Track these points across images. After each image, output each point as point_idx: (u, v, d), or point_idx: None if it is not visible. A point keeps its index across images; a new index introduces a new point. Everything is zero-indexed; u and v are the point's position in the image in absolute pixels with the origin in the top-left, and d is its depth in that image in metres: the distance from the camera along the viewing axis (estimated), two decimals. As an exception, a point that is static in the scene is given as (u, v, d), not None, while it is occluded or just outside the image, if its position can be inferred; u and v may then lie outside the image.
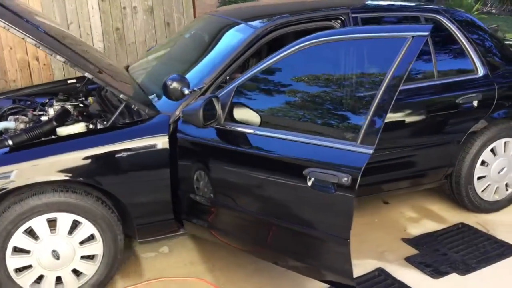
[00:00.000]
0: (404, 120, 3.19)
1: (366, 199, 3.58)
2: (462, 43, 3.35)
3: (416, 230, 3.48)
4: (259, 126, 2.53)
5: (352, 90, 2.31)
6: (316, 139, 2.31)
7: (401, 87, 2.94)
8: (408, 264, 3.07)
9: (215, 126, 2.59)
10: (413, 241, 3.32)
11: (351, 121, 2.27)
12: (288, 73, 2.51)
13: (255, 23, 3.04)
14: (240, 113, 2.60)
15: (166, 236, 2.96)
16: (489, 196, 3.61)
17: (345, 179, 2.17)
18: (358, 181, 2.15)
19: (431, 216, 3.65)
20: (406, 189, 3.53)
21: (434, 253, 3.16)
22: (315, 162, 2.27)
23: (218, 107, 2.53)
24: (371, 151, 2.16)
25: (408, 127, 3.22)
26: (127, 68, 3.78)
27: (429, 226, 3.53)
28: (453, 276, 2.94)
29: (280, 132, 2.43)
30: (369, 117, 2.18)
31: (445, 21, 3.34)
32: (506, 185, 3.64)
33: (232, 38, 3.03)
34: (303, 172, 2.29)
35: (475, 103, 3.31)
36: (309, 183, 2.28)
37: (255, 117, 2.57)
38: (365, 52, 2.32)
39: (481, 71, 3.37)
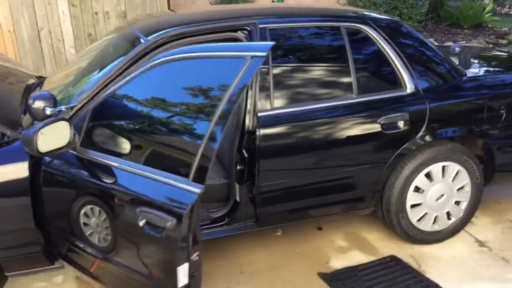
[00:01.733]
0: (321, 141, 2.86)
1: (299, 224, 3.26)
2: (389, 55, 2.98)
3: (339, 262, 3.13)
4: (120, 152, 2.26)
5: (186, 117, 2.01)
6: (149, 171, 2.02)
7: (317, 105, 2.69)
8: (313, 305, 2.74)
9: (72, 152, 2.33)
10: (329, 277, 2.98)
11: (184, 152, 1.97)
12: (136, 95, 2.23)
13: (151, 35, 2.75)
14: (100, 137, 2.34)
15: (40, 270, 2.72)
16: (427, 226, 3.23)
17: (169, 223, 1.87)
18: (187, 227, 1.84)
19: (363, 246, 3.30)
20: (336, 215, 3.18)
21: (347, 292, 2.83)
22: (145, 200, 1.98)
23: (69, 131, 2.26)
24: (199, 190, 1.85)
25: (327, 149, 2.88)
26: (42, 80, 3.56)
27: (356, 258, 3.18)
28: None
29: (125, 161, 2.15)
30: (201, 150, 1.88)
31: (369, 30, 2.98)
32: (448, 214, 3.25)
33: (120, 51, 2.77)
34: (136, 211, 2.00)
35: (400, 124, 2.94)
36: (140, 224, 1.99)
37: (116, 142, 2.30)
38: (203, 73, 2.02)
39: (410, 88, 3.00)
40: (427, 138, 3.00)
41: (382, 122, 2.90)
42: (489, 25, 10.22)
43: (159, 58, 2.11)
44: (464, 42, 9.31)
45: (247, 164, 2.79)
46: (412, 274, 2.96)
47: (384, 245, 3.29)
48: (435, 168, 3.10)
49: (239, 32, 2.84)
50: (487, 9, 10.18)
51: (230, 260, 3.16)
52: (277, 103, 2.80)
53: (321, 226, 3.53)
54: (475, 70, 3.55)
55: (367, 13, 3.16)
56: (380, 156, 2.97)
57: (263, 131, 2.73)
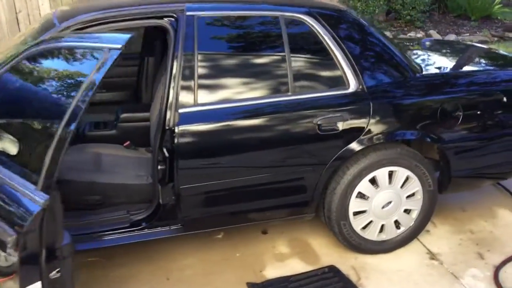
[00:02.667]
0: (251, 142, 2.64)
1: (243, 227, 3.05)
2: (331, 50, 2.72)
3: (274, 271, 2.92)
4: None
5: (42, 115, 1.80)
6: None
7: (247, 102, 2.46)
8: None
9: None
10: (258, 287, 2.77)
11: (34, 154, 1.77)
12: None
13: (65, 21, 2.55)
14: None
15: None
16: (373, 235, 2.99)
17: (9, 238, 1.67)
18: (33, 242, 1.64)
19: (305, 254, 3.08)
20: (273, 221, 2.97)
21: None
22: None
23: None
24: (43, 201, 1.64)
25: (257, 150, 2.66)
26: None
27: (294, 266, 2.96)
28: None
29: None
30: (49, 154, 1.67)
31: (311, 22, 2.73)
32: (397, 222, 3.00)
33: (37, 36, 2.56)
34: None
35: (339, 125, 2.69)
36: None
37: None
38: (63, 66, 1.80)
39: (353, 85, 2.74)
40: (370, 140, 2.75)
41: (318, 122, 2.66)
42: (498, 17, 9.78)
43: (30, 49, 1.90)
44: (467, 34, 8.91)
45: (168, 164, 2.58)
46: (347, 288, 2.74)
47: (327, 253, 3.06)
48: (381, 174, 2.85)
49: (165, 19, 2.62)
50: (497, 0, 9.73)
51: (159, 264, 2.98)
52: (202, 99, 2.57)
53: (266, 230, 3.31)
54: (438, 67, 3.27)
55: (311, 2, 2.89)
56: (318, 159, 2.73)
57: (183, 129, 2.52)
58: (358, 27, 2.86)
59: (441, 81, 3.00)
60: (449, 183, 3.03)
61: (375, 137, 2.75)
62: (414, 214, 3.02)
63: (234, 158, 2.64)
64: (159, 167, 2.60)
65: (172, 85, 2.54)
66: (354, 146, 2.73)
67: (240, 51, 2.70)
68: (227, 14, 2.69)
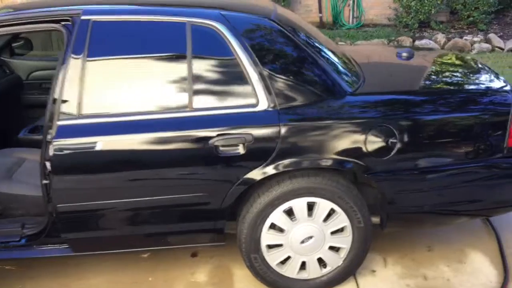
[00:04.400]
0: (139, 162, 2.41)
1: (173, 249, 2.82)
2: (242, 63, 2.40)
3: (177, 302, 2.66)
4: None
5: None
6: None
7: (138, 117, 2.33)
8: None
9: None
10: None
11: None
12: None
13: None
14: None
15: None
16: (292, 272, 2.64)
17: None
18: None
19: (220, 285, 2.79)
20: (174, 245, 2.70)
21: None
22: None
23: None
24: None
25: (145, 171, 2.42)
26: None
27: (201, 299, 2.69)
28: None
29: None
30: None
31: (223, 31, 2.42)
32: (321, 260, 2.63)
33: None
34: None
35: (240, 148, 2.37)
36: None
37: None
38: None
39: (263, 104, 2.40)
40: (278, 167, 2.40)
41: (215, 144, 2.36)
42: None
43: None
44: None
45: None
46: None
47: (248, 286, 2.75)
48: (298, 204, 2.50)
49: (62, 23, 2.45)
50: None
51: (65, 282, 2.83)
52: (87, 110, 2.37)
53: (197, 253, 3.06)
54: (390, 83, 2.82)
55: (228, 8, 2.57)
56: (218, 184, 2.43)
57: (59, 143, 2.33)
58: (280, 36, 2.50)
59: (377, 101, 2.57)
60: (387, 218, 2.60)
61: (284, 163, 2.40)
62: (343, 253, 2.62)
63: (118, 178, 2.40)
64: (43, 181, 2.43)
65: (56, 93, 2.36)
66: (259, 172, 2.40)
67: (137, 59, 2.45)
68: (127, 19, 2.46)
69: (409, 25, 9.06)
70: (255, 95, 2.39)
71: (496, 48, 7.98)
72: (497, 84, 2.77)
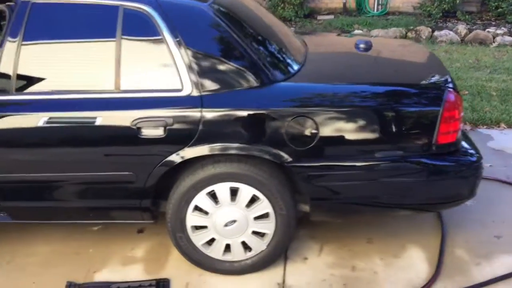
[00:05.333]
0: (69, 137, 2.52)
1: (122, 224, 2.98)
2: (168, 47, 2.45)
3: (107, 275, 2.79)
4: None
5: None
6: None
7: (63, 95, 2.45)
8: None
9: None
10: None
11: None
12: None
13: None
14: None
15: None
16: (217, 254, 2.71)
17: None
18: None
19: (154, 262, 2.89)
20: (104, 222, 2.83)
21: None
22: None
23: None
24: None
25: (66, 147, 2.53)
26: None
27: (131, 273, 2.80)
28: None
29: None
30: None
31: (154, 15, 2.49)
32: (245, 244, 2.69)
33: None
34: None
35: (160, 130, 2.45)
36: None
37: None
38: None
39: (187, 89, 2.45)
40: (197, 151, 2.46)
41: (138, 126, 2.44)
42: None
43: None
44: None
45: None
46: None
47: (176, 265, 2.83)
48: (221, 189, 2.55)
49: (6, 3, 2.57)
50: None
51: (11, 247, 3.00)
52: (20, 87, 2.49)
53: (143, 229, 3.17)
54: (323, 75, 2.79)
55: None
56: (140, 165, 2.52)
57: (-6, 116, 2.47)
58: (209, 24, 2.53)
59: (302, 91, 2.56)
60: (311, 207, 2.63)
61: (203, 148, 2.46)
62: (267, 239, 2.66)
63: (47, 152, 2.53)
64: None
65: None
66: (178, 155, 2.46)
67: (70, 41, 2.55)
68: (65, 1, 2.55)
69: (432, 14, 8.80)
70: (180, 80, 2.45)
71: (520, 42, 7.65)
72: (435, 80, 2.71)
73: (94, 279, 2.74)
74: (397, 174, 2.55)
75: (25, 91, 2.49)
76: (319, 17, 9.21)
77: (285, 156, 2.46)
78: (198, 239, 2.66)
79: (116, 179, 2.55)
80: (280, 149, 2.45)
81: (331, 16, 9.22)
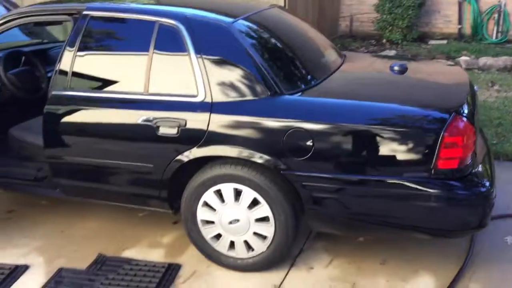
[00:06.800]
0: (100, 129, 2.88)
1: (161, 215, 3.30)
2: (190, 59, 2.70)
3: (133, 253, 3.09)
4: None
5: None
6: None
7: (105, 94, 2.87)
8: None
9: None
10: (101, 259, 3.01)
11: None
12: None
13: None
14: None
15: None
16: (223, 249, 2.87)
17: None
18: None
19: (175, 248, 3.13)
20: (131, 205, 3.10)
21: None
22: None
23: None
24: None
25: (105, 138, 2.88)
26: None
27: (153, 255, 3.08)
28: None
29: None
30: None
31: (182, 30, 2.75)
32: (247, 243, 2.81)
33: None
34: None
35: (173, 130, 2.69)
36: None
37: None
38: None
39: (201, 96, 2.67)
40: (203, 152, 2.66)
41: (157, 124, 2.72)
42: None
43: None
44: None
45: None
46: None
47: (192, 255, 3.02)
48: (226, 189, 2.72)
49: (73, 16, 3.04)
50: None
51: (69, 222, 3.47)
52: (74, 84, 2.92)
53: (177, 221, 3.42)
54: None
55: (192, 11, 2.87)
56: (159, 159, 2.78)
57: (51, 107, 2.92)
58: (228, 40, 2.72)
59: (305, 104, 2.63)
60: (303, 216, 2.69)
61: (209, 149, 2.65)
62: (267, 241, 2.76)
63: (87, 140, 2.91)
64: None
65: (56, 67, 2.95)
66: (187, 154, 2.69)
67: (113, 48, 2.95)
68: (115, 16, 2.94)
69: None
70: (196, 87, 2.68)
71: None
72: (447, 104, 2.59)
73: (121, 255, 3.06)
74: (389, 194, 2.49)
75: (76, 88, 2.89)
76: (431, 42, 8.84)
77: (281, 164, 2.54)
78: (207, 233, 2.85)
79: (141, 169, 2.84)
80: (278, 157, 2.55)
81: (444, 41, 8.80)
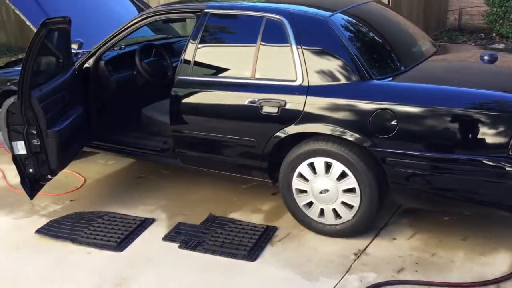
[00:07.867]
0: (216, 109, 3.36)
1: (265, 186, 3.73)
2: (291, 50, 3.07)
3: (237, 215, 3.55)
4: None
5: None
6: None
7: (220, 79, 3.38)
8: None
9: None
10: (212, 218, 3.52)
11: None
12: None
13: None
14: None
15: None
16: (314, 215, 3.22)
17: None
18: None
19: (273, 214, 3.54)
20: (236, 174, 3.52)
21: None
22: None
23: None
24: None
25: (220, 117, 3.35)
26: None
27: (254, 218, 3.51)
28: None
29: None
30: None
31: (286, 24, 3.15)
32: (336, 211, 3.15)
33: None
34: None
35: (274, 109, 3.09)
36: None
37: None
38: None
39: (299, 80, 3.04)
40: (297, 129, 3.03)
41: (261, 104, 3.14)
42: None
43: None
44: None
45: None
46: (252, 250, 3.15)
47: (288, 221, 3.40)
48: (318, 162, 3.07)
49: (196, 13, 3.57)
50: None
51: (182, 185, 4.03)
52: (196, 71, 3.44)
53: (276, 193, 3.79)
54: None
55: (295, 7, 3.23)
56: (261, 135, 3.19)
57: (178, 90, 3.47)
58: (325, 31, 3.06)
59: (392, 88, 2.88)
60: (387, 191, 2.95)
61: (305, 126, 3.01)
62: (353, 210, 3.07)
63: (204, 117, 3.41)
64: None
65: (182, 57, 3.49)
66: (285, 131, 3.08)
67: (227, 41, 3.46)
68: (229, 13, 3.42)
69: None
70: (295, 73, 3.05)
71: None
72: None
73: (227, 216, 3.53)
74: (472, 171, 2.67)
75: (196, 74, 3.40)
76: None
77: (368, 141, 2.83)
78: (300, 200, 3.21)
79: (246, 143, 3.28)
80: (365, 134, 2.84)
81: None
